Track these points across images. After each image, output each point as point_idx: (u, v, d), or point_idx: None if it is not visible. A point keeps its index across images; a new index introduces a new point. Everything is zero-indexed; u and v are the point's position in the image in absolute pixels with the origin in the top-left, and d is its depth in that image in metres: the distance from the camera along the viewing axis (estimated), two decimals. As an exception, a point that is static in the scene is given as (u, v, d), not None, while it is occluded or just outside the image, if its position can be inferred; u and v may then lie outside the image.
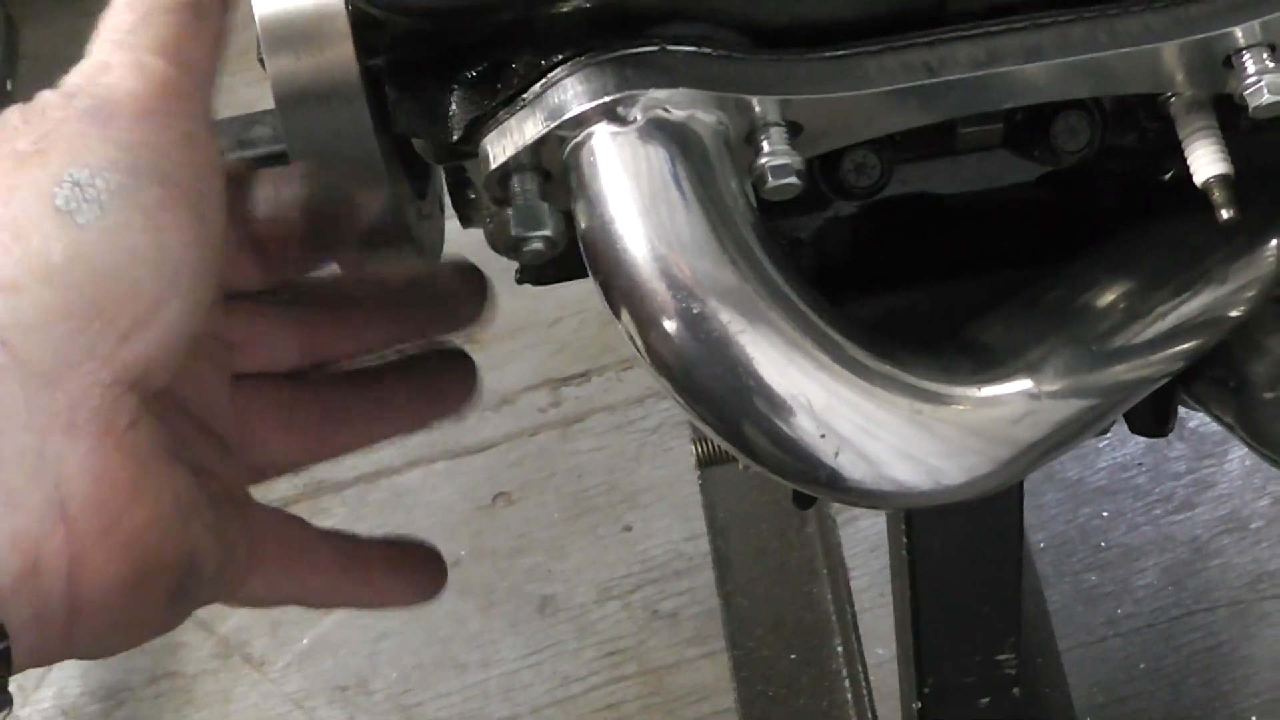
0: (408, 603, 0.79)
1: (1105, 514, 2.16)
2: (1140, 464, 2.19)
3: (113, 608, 0.60)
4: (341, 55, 0.69)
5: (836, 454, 0.66)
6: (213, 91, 0.66)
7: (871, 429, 0.66)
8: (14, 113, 0.63)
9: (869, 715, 1.70)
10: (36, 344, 0.58)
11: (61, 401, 0.58)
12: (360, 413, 0.77)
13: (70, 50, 0.66)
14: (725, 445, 0.67)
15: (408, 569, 0.79)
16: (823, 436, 0.65)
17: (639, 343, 0.66)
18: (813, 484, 0.67)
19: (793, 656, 1.77)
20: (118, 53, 0.63)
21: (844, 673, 1.74)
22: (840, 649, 1.76)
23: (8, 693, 0.57)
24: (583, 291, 0.70)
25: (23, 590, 0.58)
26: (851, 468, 0.66)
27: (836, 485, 0.66)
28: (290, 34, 0.70)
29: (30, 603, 0.58)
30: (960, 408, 0.69)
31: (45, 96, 0.63)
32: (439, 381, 0.79)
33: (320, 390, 0.76)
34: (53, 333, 0.58)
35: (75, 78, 0.63)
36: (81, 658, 0.63)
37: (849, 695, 1.73)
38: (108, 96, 0.62)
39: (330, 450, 0.77)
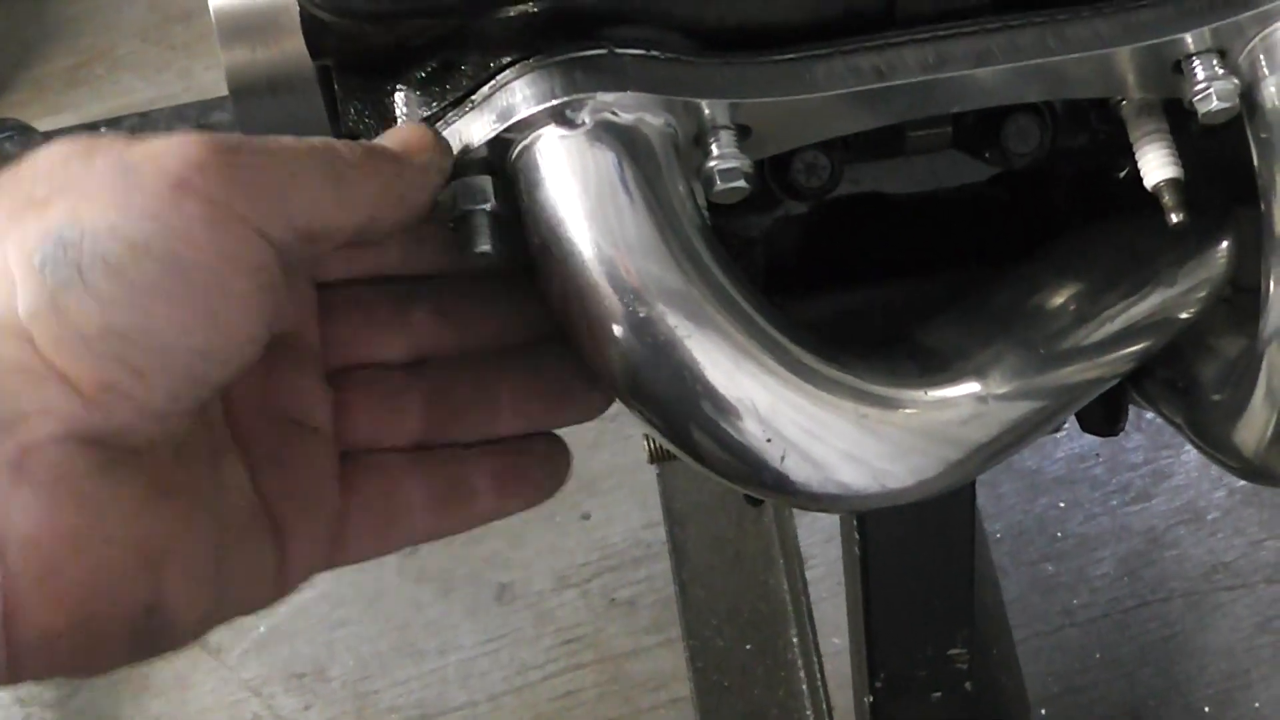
0: (528, 505, 0.76)
1: (1062, 504, 2.16)
2: (1098, 454, 2.20)
3: (54, 650, 0.58)
4: (295, 49, 0.69)
5: (783, 458, 0.66)
6: (285, 205, 0.61)
7: (818, 432, 0.66)
8: (55, 153, 0.61)
9: (824, 705, 1.70)
10: None
11: (11, 448, 0.56)
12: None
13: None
14: (672, 448, 0.67)
15: (519, 469, 0.76)
16: (769, 440, 0.65)
17: (585, 345, 0.66)
18: (759, 487, 0.67)
19: (748, 646, 1.77)
20: (173, 135, 0.61)
21: (799, 663, 1.74)
22: (795, 639, 1.76)
23: None
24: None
25: None
26: (798, 471, 0.66)
27: (783, 489, 0.66)
28: (245, 26, 0.69)
29: None
30: (907, 411, 0.69)
31: (97, 144, 0.60)
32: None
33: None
34: (10, 383, 0.57)
35: (128, 142, 0.60)
36: (26, 682, 0.61)
37: (804, 685, 1.73)
38: (142, 159, 0.59)
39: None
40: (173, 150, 0.59)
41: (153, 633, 0.61)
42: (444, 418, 0.74)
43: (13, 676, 0.59)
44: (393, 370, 0.74)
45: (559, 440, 0.77)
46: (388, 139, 0.66)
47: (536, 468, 0.76)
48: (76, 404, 0.57)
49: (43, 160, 0.61)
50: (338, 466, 0.71)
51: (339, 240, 0.64)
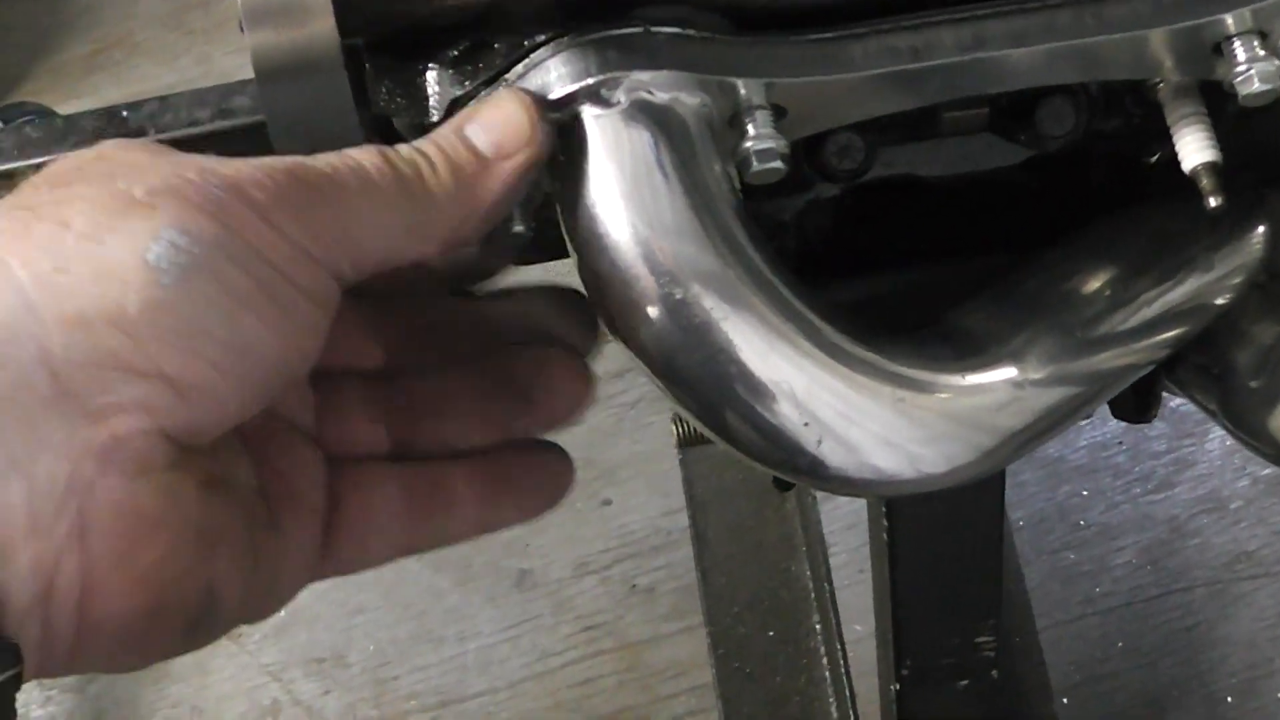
0: (522, 518, 0.76)
1: (1084, 492, 2.16)
2: (1120, 443, 2.19)
3: (122, 635, 0.60)
4: (322, 29, 0.68)
5: (819, 442, 0.65)
6: (359, 249, 0.64)
7: (854, 416, 0.66)
8: (132, 151, 0.63)
9: (846, 693, 1.70)
10: (89, 382, 0.58)
11: (102, 436, 0.58)
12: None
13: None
14: (706, 431, 0.67)
15: (503, 479, 0.76)
16: (805, 424, 0.65)
17: (620, 327, 0.65)
18: (794, 471, 0.66)
19: (770, 633, 1.77)
20: (272, 162, 0.63)
21: (821, 650, 1.74)
22: (818, 626, 1.76)
23: (14, 709, 0.57)
24: (566, 267, 0.69)
25: (35, 613, 0.58)
26: (833, 455, 0.66)
27: (818, 473, 0.66)
28: (271, 7, 0.69)
29: (40, 625, 0.58)
30: (943, 395, 0.68)
31: (183, 159, 0.62)
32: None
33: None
34: (108, 376, 0.58)
35: (221, 161, 0.63)
36: (84, 673, 0.63)
37: (826, 673, 1.73)
38: (241, 183, 0.61)
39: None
40: (261, 183, 0.61)
41: (205, 621, 0.63)
42: (415, 426, 0.74)
43: (72, 664, 0.61)
44: (367, 377, 0.74)
45: (558, 450, 0.77)
46: (481, 128, 0.66)
47: (525, 478, 0.76)
48: (169, 400, 0.59)
49: (130, 160, 0.62)
50: (325, 471, 0.71)
51: (406, 264, 0.65)
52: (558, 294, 0.78)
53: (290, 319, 0.62)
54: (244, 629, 2.23)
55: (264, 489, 0.67)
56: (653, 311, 0.64)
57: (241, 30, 0.69)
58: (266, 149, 0.71)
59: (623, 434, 2.28)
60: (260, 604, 0.68)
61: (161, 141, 0.91)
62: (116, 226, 0.59)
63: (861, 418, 0.66)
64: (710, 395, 0.65)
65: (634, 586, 2.17)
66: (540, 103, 0.65)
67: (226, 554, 0.63)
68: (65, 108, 1.52)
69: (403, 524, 0.73)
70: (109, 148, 0.64)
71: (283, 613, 2.32)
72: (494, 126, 0.66)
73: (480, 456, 0.75)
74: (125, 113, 0.93)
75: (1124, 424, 2.01)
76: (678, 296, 0.63)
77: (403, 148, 0.65)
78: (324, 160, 0.64)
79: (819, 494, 1.89)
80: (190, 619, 0.62)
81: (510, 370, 0.75)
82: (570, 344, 0.76)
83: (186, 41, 2.97)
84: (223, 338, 0.60)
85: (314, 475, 0.70)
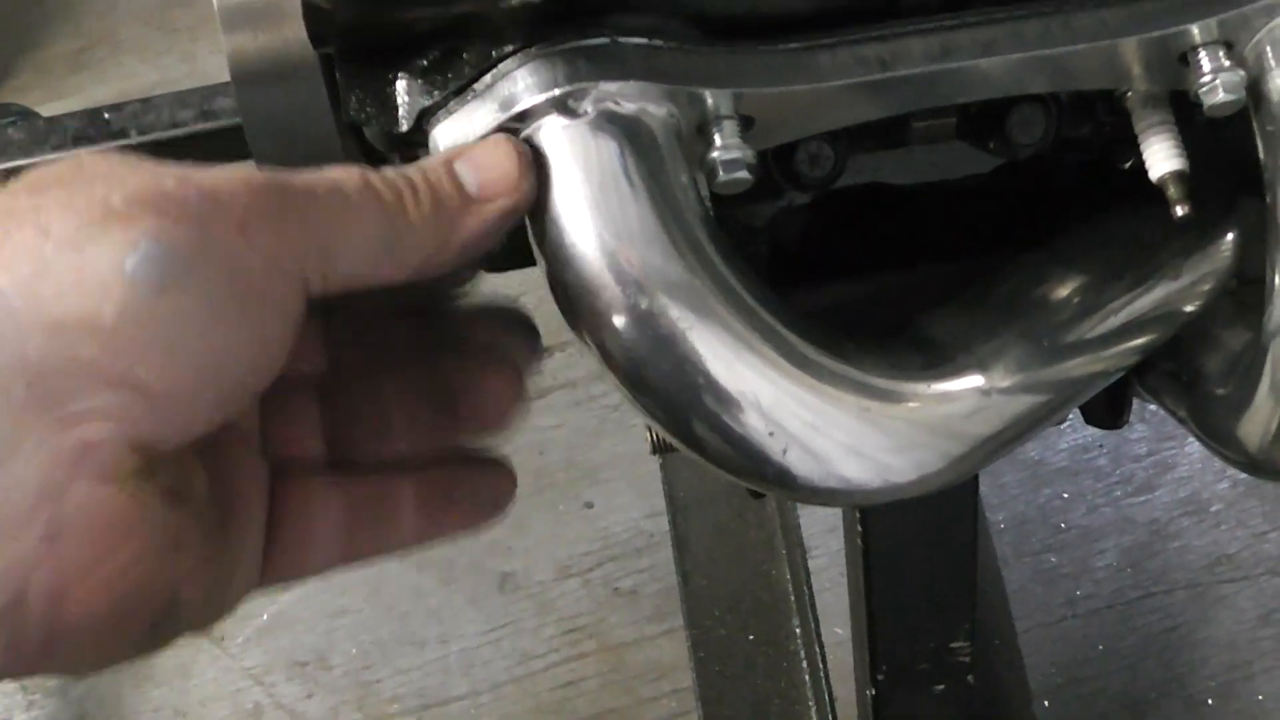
0: (464, 529, 0.76)
1: (1065, 495, 2.16)
2: (1101, 445, 2.20)
3: (89, 638, 0.61)
4: (298, 35, 0.68)
5: (785, 451, 0.65)
6: (334, 265, 0.64)
7: (820, 426, 0.66)
8: (111, 161, 0.63)
9: (826, 695, 1.70)
10: (63, 388, 0.58)
11: (72, 442, 0.58)
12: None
13: None
14: (673, 441, 0.67)
15: (445, 492, 0.76)
16: (771, 434, 0.65)
17: (587, 336, 0.65)
18: (761, 481, 0.66)
19: (750, 636, 1.77)
20: (250, 173, 0.63)
21: (801, 653, 1.74)
22: (798, 629, 1.76)
23: None
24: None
25: (6, 617, 0.58)
26: (800, 465, 0.66)
27: (785, 483, 0.66)
28: (247, 11, 0.69)
29: (8, 630, 0.59)
30: (910, 404, 0.68)
31: (161, 168, 0.62)
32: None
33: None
34: (81, 383, 0.58)
35: (199, 170, 0.63)
36: (48, 675, 0.63)
37: (806, 676, 1.73)
38: (211, 193, 0.61)
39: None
40: (238, 194, 0.61)
41: (166, 626, 0.64)
42: (352, 434, 0.75)
43: (42, 663, 0.61)
44: (308, 385, 0.74)
45: (501, 465, 0.77)
46: (470, 166, 0.66)
47: (467, 490, 0.76)
48: (140, 408, 0.59)
49: (108, 169, 0.62)
50: (267, 475, 0.71)
51: (376, 285, 0.65)
52: (501, 310, 0.78)
53: (261, 331, 0.62)
54: (227, 632, 2.22)
55: (214, 496, 0.68)
56: (619, 321, 0.64)
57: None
58: (249, 151, 0.71)
59: (605, 436, 2.28)
60: (213, 610, 0.68)
61: (144, 143, 0.91)
62: (96, 236, 0.59)
63: (828, 427, 0.66)
64: (677, 404, 0.65)
65: (616, 589, 2.17)
66: (529, 155, 0.66)
67: (188, 560, 0.63)
68: (49, 106, 1.52)
69: (343, 535, 0.73)
70: (88, 157, 0.63)
71: (265, 616, 2.32)
72: (483, 167, 0.66)
73: (422, 468, 0.75)
74: (108, 114, 0.93)
75: (1104, 427, 2.01)
76: (644, 306, 0.63)
77: (388, 171, 0.65)
78: (304, 175, 0.64)
79: (798, 498, 1.89)
80: (154, 622, 0.63)
81: (446, 381, 0.75)
82: (510, 358, 0.76)
83: (170, 40, 2.97)
84: (196, 348, 0.60)
85: (259, 484, 0.70)
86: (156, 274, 0.59)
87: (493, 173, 0.66)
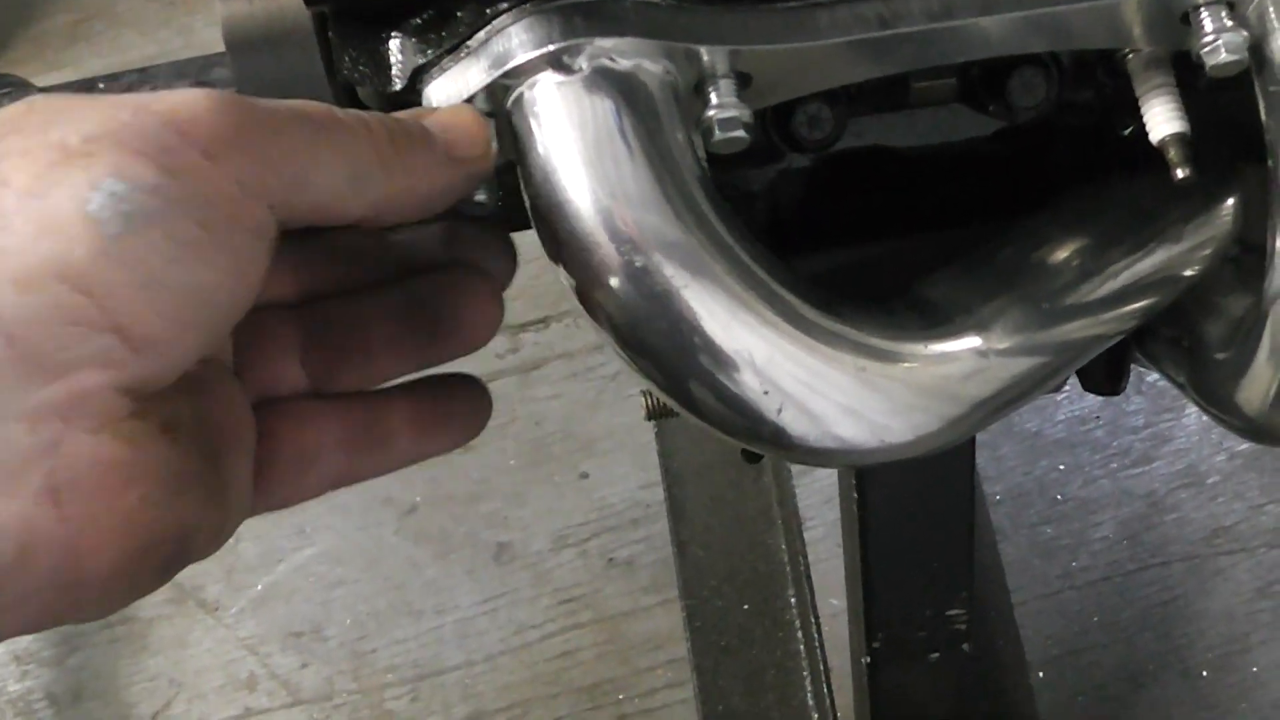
0: (449, 448, 0.77)
1: (1062, 467, 2.16)
2: (1098, 417, 2.20)
3: (106, 584, 0.60)
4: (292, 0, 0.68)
5: (780, 410, 0.65)
6: (302, 192, 0.63)
7: (816, 385, 0.65)
8: (64, 99, 0.62)
9: (821, 667, 1.70)
10: (44, 341, 0.57)
11: (61, 394, 0.58)
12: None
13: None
14: (668, 401, 0.66)
15: (437, 412, 0.76)
16: (766, 393, 0.64)
17: (582, 296, 0.65)
18: (756, 441, 0.66)
19: (746, 607, 1.77)
20: (211, 94, 0.62)
21: (797, 623, 1.74)
22: (794, 600, 1.76)
23: None
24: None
25: (14, 574, 0.58)
26: (795, 424, 0.65)
27: (780, 442, 0.66)
28: (241, -24, 0.69)
29: (21, 584, 0.58)
30: (907, 365, 0.68)
31: (117, 99, 0.61)
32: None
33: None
34: (62, 333, 0.57)
35: (156, 97, 0.61)
36: (72, 623, 0.63)
37: (801, 646, 1.73)
38: (169, 119, 0.60)
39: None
40: (201, 118, 0.60)
41: (178, 561, 0.63)
42: (332, 357, 0.74)
43: (58, 617, 0.61)
44: (281, 309, 0.74)
45: (478, 383, 0.77)
46: (435, 123, 0.66)
47: (455, 410, 0.77)
48: (125, 354, 0.59)
49: (62, 107, 0.61)
50: (248, 403, 0.71)
51: (342, 222, 0.65)
52: (472, 223, 0.77)
53: (236, 260, 0.61)
54: (222, 602, 2.22)
55: (201, 428, 0.67)
56: (614, 280, 0.63)
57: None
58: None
59: (602, 406, 2.28)
60: (214, 540, 0.67)
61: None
62: (58, 179, 0.58)
63: (823, 386, 0.65)
64: (671, 364, 0.64)
65: (612, 560, 2.17)
66: (493, 124, 0.66)
67: (190, 496, 0.63)
68: (45, 78, 1.51)
69: (340, 458, 0.73)
70: (39, 99, 0.62)
71: (259, 586, 2.32)
72: (449, 126, 0.66)
73: (411, 389, 0.76)
74: (102, 84, 0.92)
75: (1102, 398, 2.02)
76: (639, 264, 0.63)
77: (350, 110, 0.65)
78: (268, 100, 0.63)
79: (795, 468, 1.89)
80: (164, 560, 0.62)
81: (421, 297, 0.75)
82: (485, 271, 0.76)
83: (168, 12, 2.96)
84: (172, 285, 0.59)
85: (241, 411, 0.70)
86: (122, 212, 0.58)
87: (457, 131, 0.66)
